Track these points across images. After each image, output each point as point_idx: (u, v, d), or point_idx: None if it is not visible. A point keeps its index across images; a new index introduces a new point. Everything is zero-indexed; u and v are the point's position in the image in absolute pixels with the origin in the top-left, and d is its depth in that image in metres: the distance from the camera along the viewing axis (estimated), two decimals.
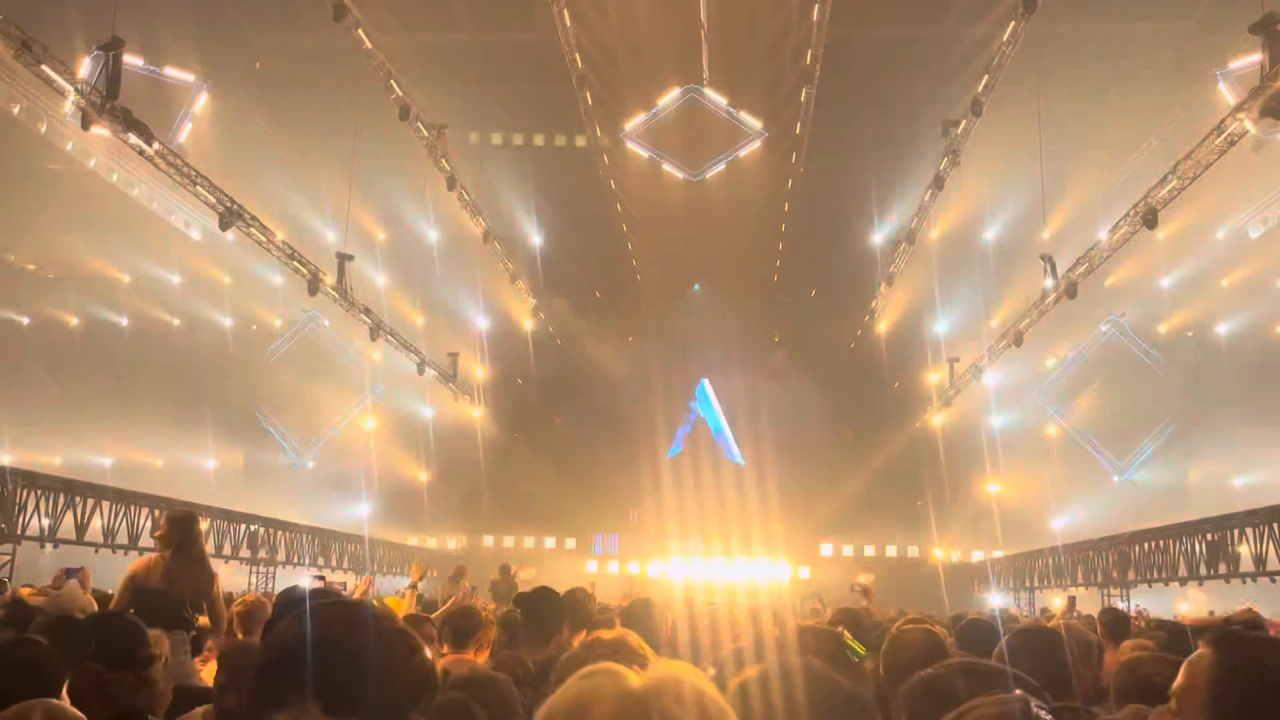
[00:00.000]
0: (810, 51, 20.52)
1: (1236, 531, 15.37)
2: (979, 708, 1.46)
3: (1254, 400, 28.46)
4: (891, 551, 33.03)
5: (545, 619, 4.95)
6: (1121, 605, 18.10)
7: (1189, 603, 21.55)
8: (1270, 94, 13.84)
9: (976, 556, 31.15)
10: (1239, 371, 30.69)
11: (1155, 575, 18.04)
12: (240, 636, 5.63)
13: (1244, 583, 15.22)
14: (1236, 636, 1.95)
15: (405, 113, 21.18)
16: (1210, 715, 1.84)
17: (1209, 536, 16.23)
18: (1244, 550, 15.14)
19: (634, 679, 1.10)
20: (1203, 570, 16.23)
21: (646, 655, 2.27)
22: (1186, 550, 16.98)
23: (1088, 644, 4.39)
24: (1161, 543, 17.96)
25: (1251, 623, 3.93)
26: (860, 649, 3.86)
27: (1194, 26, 22.48)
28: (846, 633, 4.04)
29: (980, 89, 19.62)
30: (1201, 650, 1.95)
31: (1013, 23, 17.65)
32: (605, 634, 2.40)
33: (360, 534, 26.55)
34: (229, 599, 7.03)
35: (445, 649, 4.92)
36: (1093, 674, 3.95)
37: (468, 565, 19.86)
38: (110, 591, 8.18)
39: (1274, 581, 14.44)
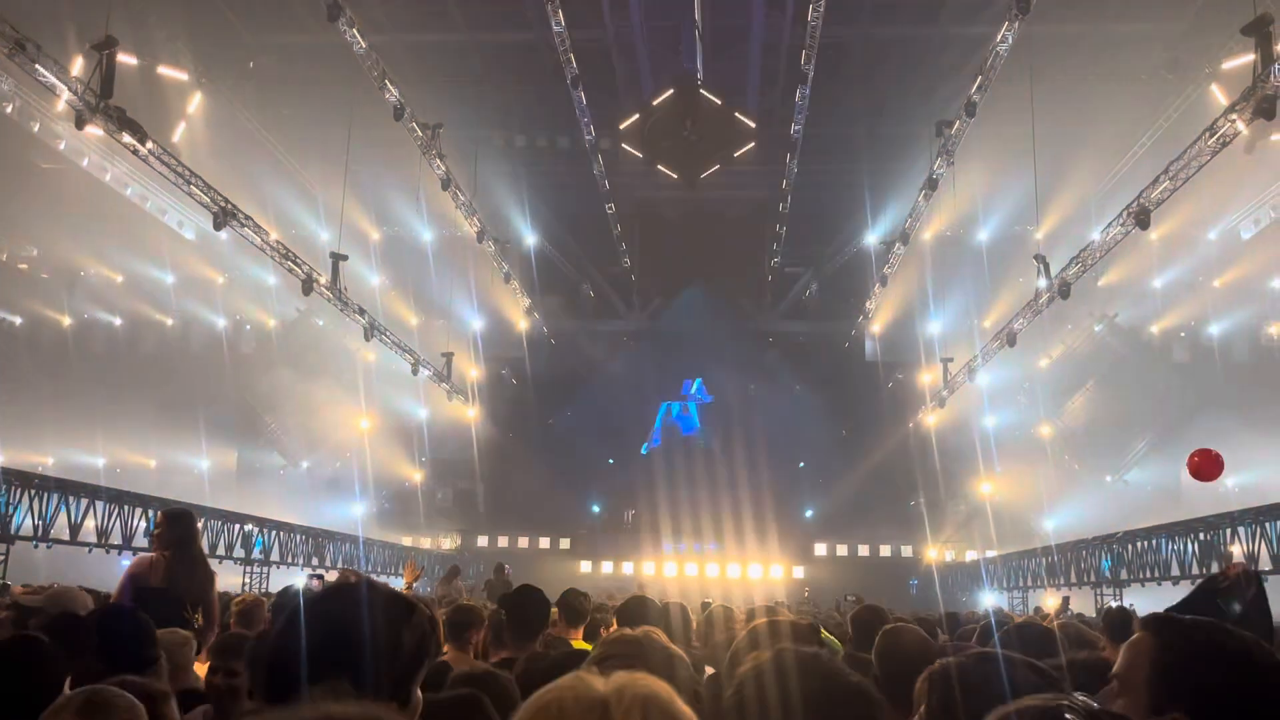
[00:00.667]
0: (804, 52, 20.53)
1: (1228, 531, 15.44)
2: (1019, 706, 1.49)
3: (1246, 400, 28.57)
4: (885, 552, 33.05)
5: (530, 617, 4.97)
6: (1113, 604, 18.18)
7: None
8: (1262, 95, 13.91)
9: (970, 557, 31.21)
10: (1231, 371, 30.82)
11: (1148, 575, 18.10)
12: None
13: None
14: (1173, 620, 2.06)
15: (399, 113, 21.16)
16: (1149, 692, 1.94)
17: (1201, 536, 16.30)
18: (1236, 549, 15.20)
19: (598, 685, 1.12)
20: (1195, 570, 16.29)
21: (669, 649, 2.29)
22: (1179, 550, 17.05)
23: (1090, 643, 4.44)
24: (1154, 542, 18.03)
25: (1247, 574, 4.04)
26: (836, 644, 3.89)
27: (1187, 27, 22.57)
28: (823, 629, 4.08)
29: (974, 90, 19.65)
30: (1139, 634, 2.04)
31: (1006, 23, 17.69)
32: (629, 631, 2.41)
33: (354, 534, 26.52)
34: (225, 598, 7.02)
35: (446, 647, 4.95)
36: None
37: (461, 566, 19.96)
38: (105, 592, 8.17)
39: (1266, 581, 14.52)
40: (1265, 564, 14.28)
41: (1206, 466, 9.45)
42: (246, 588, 18.91)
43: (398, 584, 9.76)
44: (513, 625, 4.94)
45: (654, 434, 35.94)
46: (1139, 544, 18.50)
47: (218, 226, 18.99)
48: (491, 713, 2.34)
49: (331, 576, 22.14)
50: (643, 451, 35.43)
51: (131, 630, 3.46)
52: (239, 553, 19.57)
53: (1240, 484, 29.42)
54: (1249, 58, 14.78)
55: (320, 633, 1.76)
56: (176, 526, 6.10)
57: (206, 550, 16.61)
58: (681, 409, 36.34)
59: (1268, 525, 14.48)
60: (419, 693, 1.90)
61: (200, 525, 16.93)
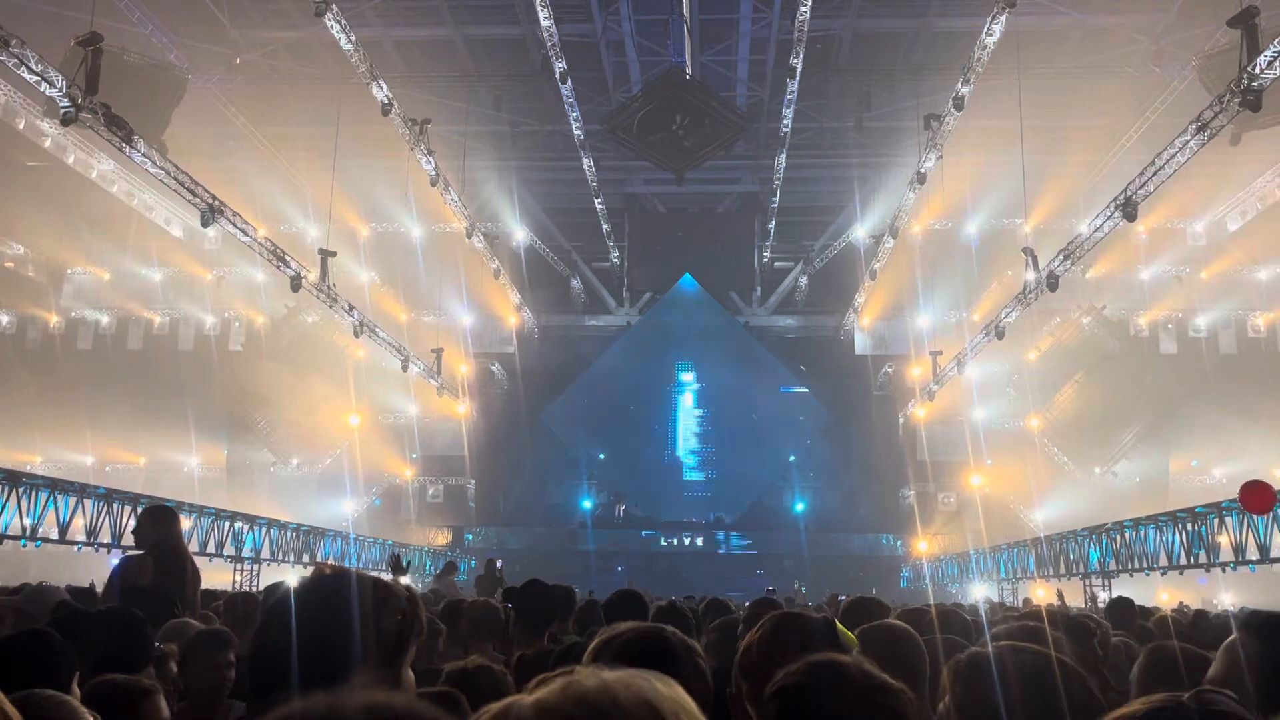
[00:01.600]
0: (793, 46, 20.55)
1: (1215, 521, 15.52)
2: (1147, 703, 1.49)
3: (1233, 391, 28.74)
4: (876, 545, 33.12)
5: (538, 612, 4.96)
6: (1104, 596, 18.28)
7: (1168, 592, 21.76)
8: (1248, 87, 13.97)
9: (959, 549, 31.33)
10: (1219, 363, 31.00)
11: (1136, 565, 18.19)
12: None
13: (1223, 571, 15.39)
14: (1274, 621, 1.99)
15: (387, 109, 21.11)
16: (1260, 695, 1.88)
17: (1189, 526, 16.37)
18: (1223, 539, 15.28)
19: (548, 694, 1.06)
20: (1183, 560, 16.38)
21: (666, 637, 2.28)
22: (1166, 540, 17.12)
23: (1104, 633, 4.51)
24: (1142, 532, 18.11)
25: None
26: (853, 640, 3.92)
27: (1173, 20, 22.63)
28: (839, 624, 4.08)
29: (962, 83, 19.69)
30: (1239, 636, 1.97)
31: (994, 16, 17.71)
32: (623, 626, 2.41)
33: (345, 531, 26.46)
34: (216, 595, 7.00)
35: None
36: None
37: (456, 562, 19.97)
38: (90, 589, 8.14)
39: (1253, 570, 14.61)
40: (1252, 554, 14.38)
41: (1258, 499, 9.68)
42: (237, 585, 18.86)
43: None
44: (521, 620, 4.92)
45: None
46: (1127, 535, 18.59)
47: (205, 223, 18.92)
48: (467, 711, 2.34)
49: None
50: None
51: (123, 632, 3.44)
52: (229, 550, 19.50)
53: (1228, 474, 29.61)
54: (1235, 50, 14.83)
55: (294, 631, 1.76)
56: (159, 523, 6.07)
57: (197, 548, 16.59)
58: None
59: (1254, 515, 14.55)
60: (410, 674, 1.89)
61: (190, 523, 16.92)
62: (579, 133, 24.87)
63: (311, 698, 1.01)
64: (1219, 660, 2.02)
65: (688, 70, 22.21)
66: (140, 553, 6.02)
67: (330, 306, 23.39)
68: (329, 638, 1.76)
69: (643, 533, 32.67)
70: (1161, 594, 21.42)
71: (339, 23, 18.96)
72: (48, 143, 26.79)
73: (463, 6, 23.88)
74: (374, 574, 1.96)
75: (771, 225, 32.36)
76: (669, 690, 1.09)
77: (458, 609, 5.20)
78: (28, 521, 14.36)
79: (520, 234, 32.93)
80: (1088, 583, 19.88)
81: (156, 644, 3.71)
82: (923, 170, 22.96)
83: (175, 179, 17.85)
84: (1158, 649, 3.25)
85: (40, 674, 2.59)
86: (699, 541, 32.48)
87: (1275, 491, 9.81)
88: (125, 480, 25.97)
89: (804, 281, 35.00)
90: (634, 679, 1.08)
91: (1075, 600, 18.79)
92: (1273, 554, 13.86)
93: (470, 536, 33.13)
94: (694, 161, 23.45)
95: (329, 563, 18.67)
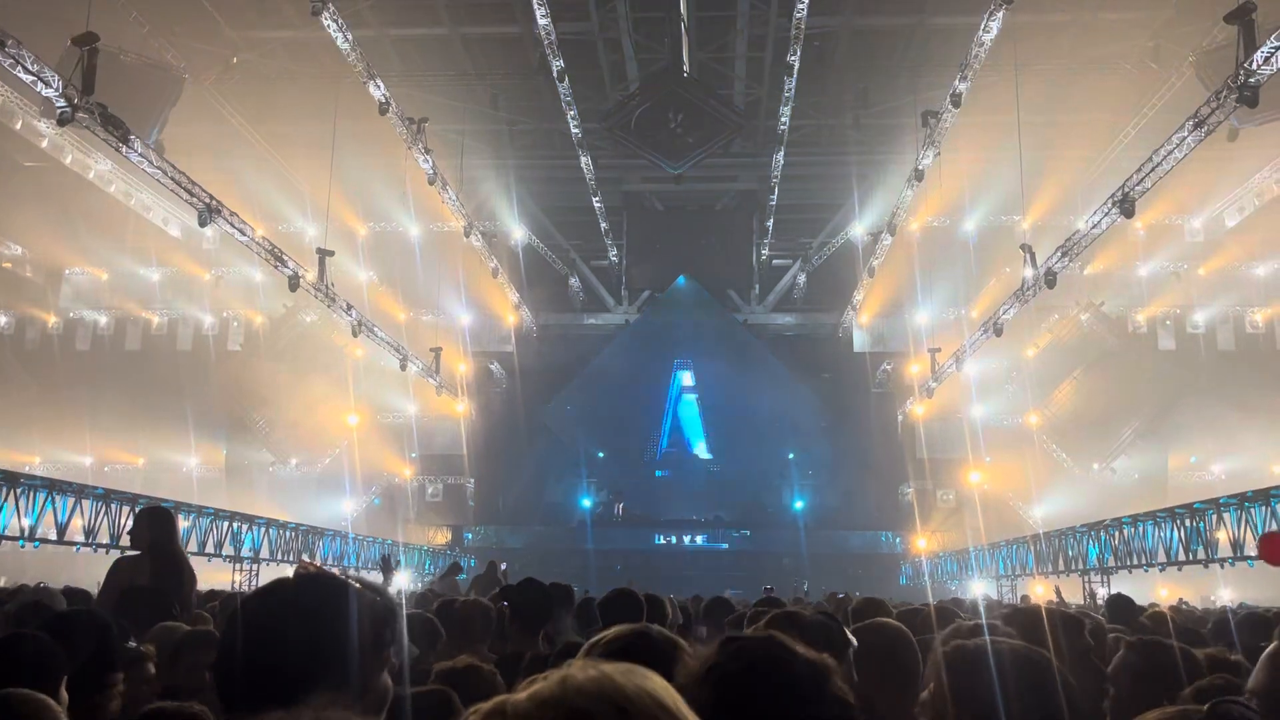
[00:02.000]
0: (790, 43, 20.53)
1: (1214, 517, 15.52)
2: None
3: (1232, 386, 28.76)
4: (875, 542, 33.12)
5: (533, 611, 4.95)
6: (1103, 592, 18.29)
7: (1166, 588, 21.78)
8: (1245, 83, 13.97)
9: (958, 546, 31.34)
10: (1217, 359, 31.02)
11: (1135, 562, 18.19)
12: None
13: (1221, 567, 15.40)
14: None
15: (384, 107, 21.08)
16: None
17: (1187, 523, 16.37)
18: (1222, 535, 15.28)
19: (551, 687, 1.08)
20: (1181, 556, 16.39)
21: (651, 636, 2.26)
22: (1165, 537, 17.13)
23: (1099, 628, 4.51)
24: (1140, 529, 18.11)
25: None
26: (852, 639, 3.93)
27: (1171, 15, 22.62)
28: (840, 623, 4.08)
29: (959, 80, 19.67)
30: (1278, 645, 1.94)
31: (991, 13, 17.70)
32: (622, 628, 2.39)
33: (344, 530, 26.45)
34: (215, 595, 7.00)
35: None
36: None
37: (459, 562, 19.99)
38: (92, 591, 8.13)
39: (1251, 566, 14.61)
40: (1250, 550, 14.37)
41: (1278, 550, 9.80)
42: (236, 585, 18.86)
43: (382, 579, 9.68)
44: (517, 620, 4.91)
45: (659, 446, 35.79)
46: (1125, 531, 18.59)
47: (203, 223, 18.90)
48: (459, 708, 2.33)
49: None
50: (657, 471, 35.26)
51: (91, 635, 3.39)
52: (228, 550, 19.49)
53: (1226, 470, 29.65)
54: (1232, 46, 14.82)
55: (251, 637, 1.70)
56: (155, 524, 6.06)
57: (196, 548, 16.58)
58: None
59: (1253, 511, 14.55)
60: (387, 679, 1.83)
61: (189, 523, 16.92)
62: (576, 131, 24.84)
63: (265, 718, 1.00)
64: (1261, 669, 1.99)
65: (685, 68, 22.17)
66: (136, 553, 6.02)
67: (328, 306, 23.38)
68: (290, 648, 1.69)
69: (642, 531, 32.66)
70: (1160, 590, 21.44)
71: (335, 21, 18.92)
72: (45, 143, 26.77)
73: (460, 5, 23.83)
74: (357, 576, 1.91)
75: (770, 223, 32.33)
76: (661, 681, 1.14)
77: (450, 609, 5.19)
78: (26, 522, 14.34)
79: (518, 232, 32.92)
80: (1086, 579, 19.89)
81: (135, 644, 3.68)
82: (920, 167, 22.95)
83: (172, 179, 17.83)
84: (1139, 644, 3.23)
85: (28, 676, 2.58)
86: (698, 540, 32.47)
87: None
88: (124, 481, 25.97)
89: (802, 279, 35.01)
90: (630, 669, 1.12)
91: (1074, 597, 18.80)
92: None
93: (469, 535, 33.11)
94: (692, 159, 23.43)
95: (311, 564, 18.61)
